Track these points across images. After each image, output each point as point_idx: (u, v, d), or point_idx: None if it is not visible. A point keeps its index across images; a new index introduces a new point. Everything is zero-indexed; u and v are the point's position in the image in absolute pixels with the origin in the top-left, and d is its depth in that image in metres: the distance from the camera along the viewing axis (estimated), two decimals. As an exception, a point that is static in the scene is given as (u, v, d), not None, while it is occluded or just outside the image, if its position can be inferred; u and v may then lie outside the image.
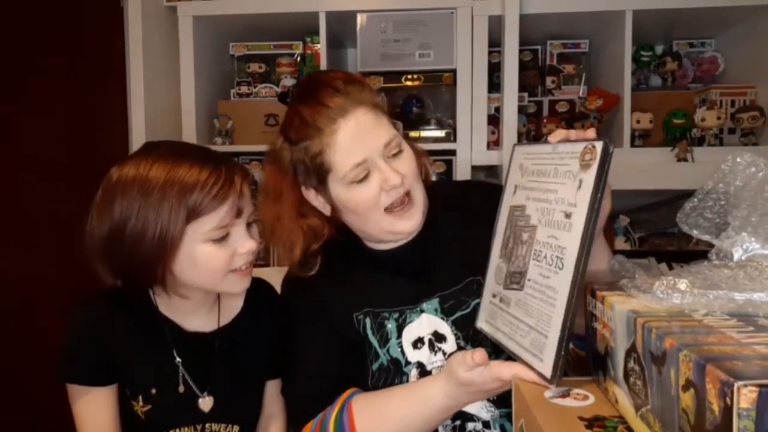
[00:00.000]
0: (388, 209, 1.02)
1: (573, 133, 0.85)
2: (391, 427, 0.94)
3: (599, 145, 0.76)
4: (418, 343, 1.04)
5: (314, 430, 0.99)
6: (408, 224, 1.04)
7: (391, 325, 1.05)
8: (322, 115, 0.99)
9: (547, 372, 0.76)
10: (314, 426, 0.99)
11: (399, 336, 1.05)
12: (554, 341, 0.77)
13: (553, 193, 0.82)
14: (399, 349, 1.04)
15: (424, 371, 1.03)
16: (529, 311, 0.83)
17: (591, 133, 0.84)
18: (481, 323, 0.96)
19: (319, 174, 1.02)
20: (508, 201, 0.95)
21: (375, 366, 1.05)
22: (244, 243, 0.98)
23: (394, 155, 1.02)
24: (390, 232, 1.04)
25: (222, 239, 0.97)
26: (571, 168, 0.80)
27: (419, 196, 1.05)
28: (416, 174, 1.05)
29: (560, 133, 0.86)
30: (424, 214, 1.06)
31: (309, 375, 1.04)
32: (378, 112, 1.02)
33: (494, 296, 0.93)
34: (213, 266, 0.97)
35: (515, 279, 0.88)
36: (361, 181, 1.00)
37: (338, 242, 1.11)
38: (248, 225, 1.02)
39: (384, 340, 1.05)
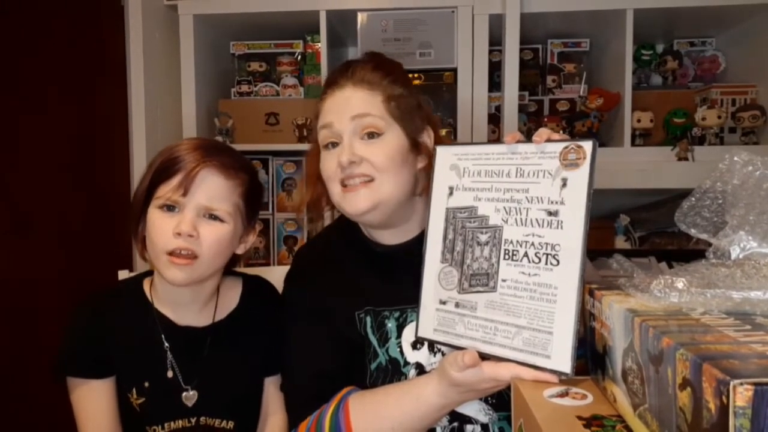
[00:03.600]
0: (343, 184, 1.02)
1: (556, 134, 0.86)
2: (386, 425, 0.94)
3: (588, 145, 0.80)
4: (417, 343, 1.03)
5: (310, 428, 0.99)
6: (352, 203, 1.00)
7: (391, 324, 1.05)
8: (327, 86, 1.06)
9: (565, 366, 0.77)
10: (310, 423, 0.99)
11: (399, 336, 1.04)
12: (566, 335, 0.78)
13: (522, 192, 0.85)
14: (398, 349, 1.04)
15: (422, 372, 1.02)
16: (514, 311, 0.83)
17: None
18: (427, 333, 0.93)
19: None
20: (441, 203, 0.94)
21: (373, 365, 1.04)
22: (181, 224, 0.99)
23: (369, 137, 1.01)
24: (341, 208, 1.04)
25: (168, 211, 1.01)
26: (545, 167, 0.83)
27: (385, 188, 1.00)
28: (389, 166, 1.00)
29: (546, 131, 0.86)
30: (384, 206, 1.01)
31: (308, 373, 1.04)
32: (378, 95, 1.01)
33: (443, 303, 0.91)
34: (153, 236, 1.01)
35: (479, 281, 0.87)
36: (327, 147, 1.04)
37: (343, 238, 1.11)
38: (213, 218, 1.02)
39: (383, 340, 1.04)
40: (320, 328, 1.05)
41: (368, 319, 1.05)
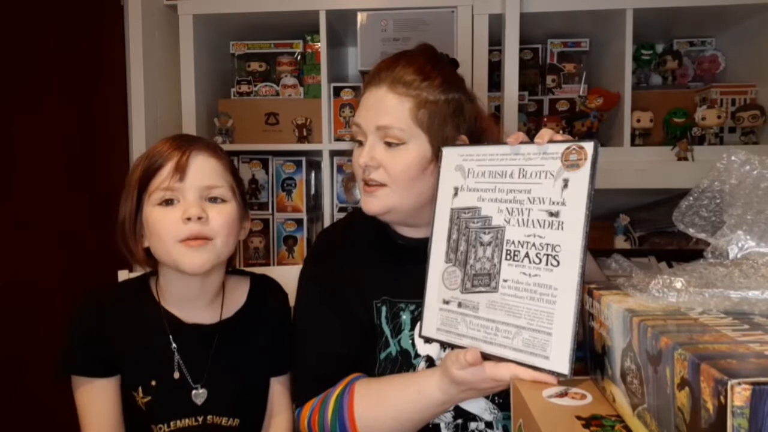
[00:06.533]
0: (365, 182, 1.06)
1: (558, 135, 0.87)
2: (387, 413, 0.96)
3: (589, 146, 0.80)
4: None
5: (315, 407, 1.01)
6: (366, 204, 1.06)
7: (405, 317, 1.06)
8: (370, 77, 1.07)
9: (563, 368, 0.77)
10: (315, 404, 1.01)
11: (412, 328, 1.05)
12: (565, 336, 0.78)
13: (524, 193, 0.85)
14: (410, 341, 1.05)
15: (432, 366, 1.03)
16: (515, 312, 0.83)
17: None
18: (431, 332, 0.94)
19: None
20: (446, 204, 0.95)
21: (383, 355, 1.05)
22: (188, 209, 1.00)
23: (389, 146, 1.03)
24: (361, 204, 1.09)
25: (168, 204, 1.01)
26: (547, 168, 0.83)
27: (397, 197, 1.04)
28: (403, 178, 1.02)
29: (547, 132, 0.86)
30: (396, 212, 1.06)
31: (318, 354, 1.05)
32: (408, 101, 1.01)
33: (446, 302, 0.92)
34: (161, 231, 1.01)
35: (481, 281, 0.88)
36: (357, 142, 1.07)
37: (369, 225, 1.12)
38: (213, 200, 1.04)
39: (397, 331, 1.06)
40: (335, 311, 1.06)
41: (384, 308, 1.07)
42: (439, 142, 1.02)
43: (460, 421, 1.03)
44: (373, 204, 1.05)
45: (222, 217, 1.03)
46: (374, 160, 1.03)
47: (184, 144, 1.03)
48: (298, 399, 1.07)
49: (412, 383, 0.96)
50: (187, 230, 1.00)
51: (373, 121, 1.03)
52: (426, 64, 1.05)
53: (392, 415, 0.95)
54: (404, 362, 1.04)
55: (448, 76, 1.06)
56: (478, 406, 1.03)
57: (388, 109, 1.02)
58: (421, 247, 1.00)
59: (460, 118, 1.06)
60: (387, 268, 1.09)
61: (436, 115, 1.02)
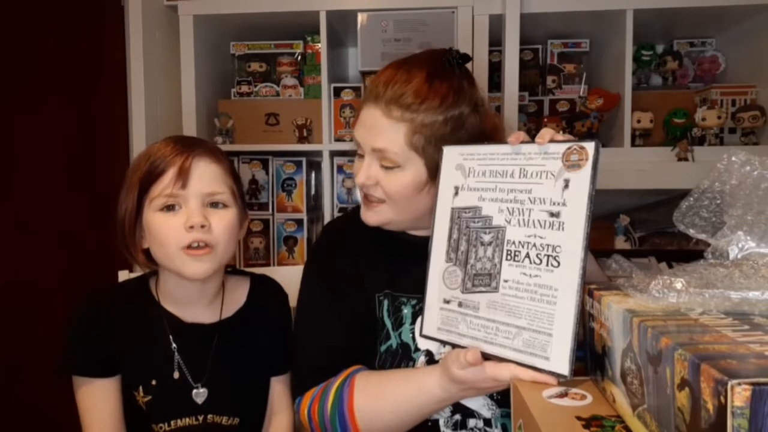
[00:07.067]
0: (364, 195, 1.08)
1: (559, 135, 0.86)
2: (386, 407, 0.96)
3: (590, 146, 0.79)
4: None
5: (315, 396, 1.01)
6: (365, 216, 1.08)
7: (407, 311, 1.07)
8: (370, 89, 1.05)
9: (563, 368, 0.77)
10: (315, 393, 1.02)
11: (413, 322, 1.06)
12: (565, 337, 0.78)
13: (525, 193, 0.85)
14: (411, 335, 1.06)
15: (432, 360, 1.04)
16: (515, 312, 0.83)
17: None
18: (431, 332, 0.94)
19: None
20: (447, 203, 0.95)
21: (383, 348, 1.06)
22: (191, 217, 1.00)
23: (385, 168, 1.02)
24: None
25: (170, 210, 1.02)
26: (548, 168, 0.83)
27: (394, 213, 1.05)
28: (400, 198, 1.03)
29: (548, 132, 0.86)
30: (394, 224, 1.07)
31: (319, 345, 1.06)
32: (404, 126, 0.99)
33: (447, 302, 0.92)
34: (163, 238, 1.01)
35: (482, 281, 0.88)
36: (357, 154, 1.08)
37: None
38: (214, 205, 1.04)
39: (398, 324, 1.07)
40: (337, 304, 1.07)
41: (386, 302, 1.08)
42: (433, 164, 1.00)
43: (458, 416, 1.04)
44: (371, 217, 1.07)
45: (223, 224, 1.04)
46: (371, 179, 1.04)
47: (186, 149, 1.03)
48: (297, 389, 1.07)
49: (412, 379, 0.96)
50: (190, 238, 1.00)
51: (369, 142, 1.03)
52: (425, 83, 0.99)
53: (391, 409, 0.96)
54: (404, 355, 1.05)
55: (448, 92, 1.00)
56: (477, 402, 1.04)
57: (383, 132, 1.00)
58: (424, 244, 1.00)
59: (460, 133, 1.01)
60: (390, 262, 1.10)
61: (432, 138, 0.99)
